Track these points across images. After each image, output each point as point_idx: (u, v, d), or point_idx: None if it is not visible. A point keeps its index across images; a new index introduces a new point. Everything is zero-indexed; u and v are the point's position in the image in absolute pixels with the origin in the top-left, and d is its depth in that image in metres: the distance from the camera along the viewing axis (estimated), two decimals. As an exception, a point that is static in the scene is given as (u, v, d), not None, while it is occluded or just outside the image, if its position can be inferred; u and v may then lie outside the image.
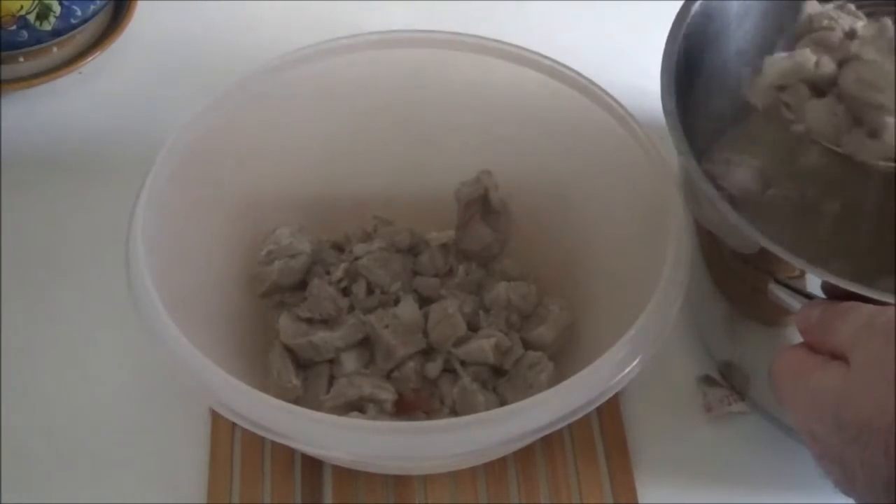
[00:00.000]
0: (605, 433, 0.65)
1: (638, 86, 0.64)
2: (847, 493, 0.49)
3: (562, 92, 0.67)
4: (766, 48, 0.68)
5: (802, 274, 0.54)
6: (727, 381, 0.67)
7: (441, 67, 0.69)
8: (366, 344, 0.65)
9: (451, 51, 0.68)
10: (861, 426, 0.46)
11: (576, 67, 0.67)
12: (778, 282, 0.55)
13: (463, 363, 0.64)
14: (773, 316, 0.58)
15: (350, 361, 0.65)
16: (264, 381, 0.63)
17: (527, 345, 0.65)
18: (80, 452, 0.65)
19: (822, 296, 0.54)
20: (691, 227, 0.61)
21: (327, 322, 0.65)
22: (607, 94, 0.66)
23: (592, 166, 0.67)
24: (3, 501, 0.62)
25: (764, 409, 0.65)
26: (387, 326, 0.64)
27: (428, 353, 0.65)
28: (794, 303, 0.55)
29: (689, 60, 0.62)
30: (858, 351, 0.48)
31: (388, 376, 0.64)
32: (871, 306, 0.50)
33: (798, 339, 0.54)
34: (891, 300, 0.50)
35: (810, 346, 0.52)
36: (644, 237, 0.62)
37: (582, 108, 0.66)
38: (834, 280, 0.53)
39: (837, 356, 0.49)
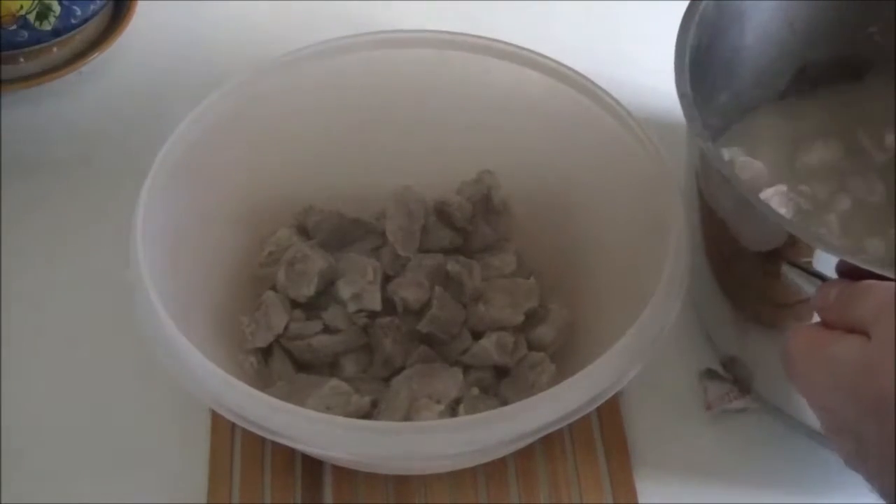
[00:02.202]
0: (605, 433, 0.65)
1: (638, 85, 0.64)
2: (857, 468, 0.49)
3: (562, 92, 0.67)
4: (773, 45, 0.68)
5: (818, 255, 0.54)
6: (730, 375, 0.67)
7: (441, 67, 0.69)
8: (366, 348, 0.65)
9: (451, 51, 0.68)
10: (880, 399, 0.46)
11: (576, 67, 0.67)
12: (792, 264, 0.55)
13: (468, 368, 0.64)
14: (779, 310, 0.58)
15: (350, 365, 0.65)
16: (264, 380, 0.64)
17: (527, 344, 0.65)
18: (80, 453, 0.65)
19: (836, 277, 0.54)
20: (692, 226, 0.61)
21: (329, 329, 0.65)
22: (607, 93, 0.66)
23: (593, 166, 0.67)
24: (3, 501, 0.62)
25: (768, 402, 0.65)
26: (387, 335, 0.64)
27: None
28: (808, 286, 0.55)
29: (698, 53, 0.62)
30: (881, 325, 0.48)
31: (386, 381, 0.64)
32: (892, 284, 0.50)
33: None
34: None
35: (826, 324, 0.52)
36: (644, 236, 0.62)
37: (582, 107, 0.66)
38: (852, 259, 0.52)
39: (856, 331, 0.49)
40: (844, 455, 0.50)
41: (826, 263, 0.54)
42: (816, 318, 0.54)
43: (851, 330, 0.50)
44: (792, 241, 0.55)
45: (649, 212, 0.62)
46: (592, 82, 0.66)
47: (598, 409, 0.56)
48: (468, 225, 0.68)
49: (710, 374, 0.67)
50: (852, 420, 0.48)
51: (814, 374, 0.51)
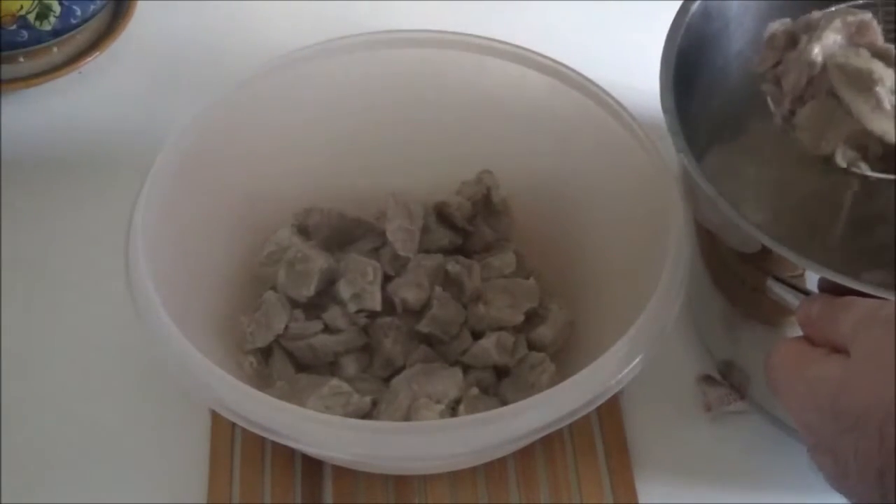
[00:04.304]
0: (605, 433, 0.65)
1: (638, 86, 0.64)
2: (838, 486, 0.49)
3: (562, 92, 0.67)
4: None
5: (801, 271, 0.55)
6: (727, 380, 0.67)
7: (441, 67, 0.69)
8: (366, 348, 0.65)
9: (451, 51, 0.68)
10: (857, 416, 0.46)
11: (576, 67, 0.67)
12: (776, 278, 0.56)
13: (468, 368, 0.64)
14: (771, 315, 0.58)
15: (350, 365, 0.65)
16: (264, 380, 0.64)
17: (527, 344, 0.65)
18: (81, 452, 0.65)
19: (819, 292, 0.54)
20: (691, 227, 0.61)
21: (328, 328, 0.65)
22: (607, 93, 0.66)
23: (592, 166, 0.67)
24: (3, 501, 0.62)
25: (763, 408, 0.65)
26: (387, 335, 0.64)
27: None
28: (791, 299, 0.55)
29: (688, 60, 0.62)
30: (859, 342, 0.48)
31: (386, 381, 0.64)
32: (871, 300, 0.50)
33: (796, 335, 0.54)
34: (890, 295, 0.50)
35: (809, 340, 0.52)
36: (644, 237, 0.62)
37: (582, 107, 0.66)
38: (832, 276, 0.53)
39: (837, 348, 0.50)
40: (825, 474, 0.50)
41: (810, 278, 0.54)
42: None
43: (832, 345, 0.50)
44: (774, 256, 0.55)
45: (649, 212, 0.62)
46: (593, 82, 0.66)
47: (598, 409, 0.56)
48: (468, 225, 0.68)
49: (707, 380, 0.67)
50: (831, 438, 0.48)
51: (794, 391, 0.51)
